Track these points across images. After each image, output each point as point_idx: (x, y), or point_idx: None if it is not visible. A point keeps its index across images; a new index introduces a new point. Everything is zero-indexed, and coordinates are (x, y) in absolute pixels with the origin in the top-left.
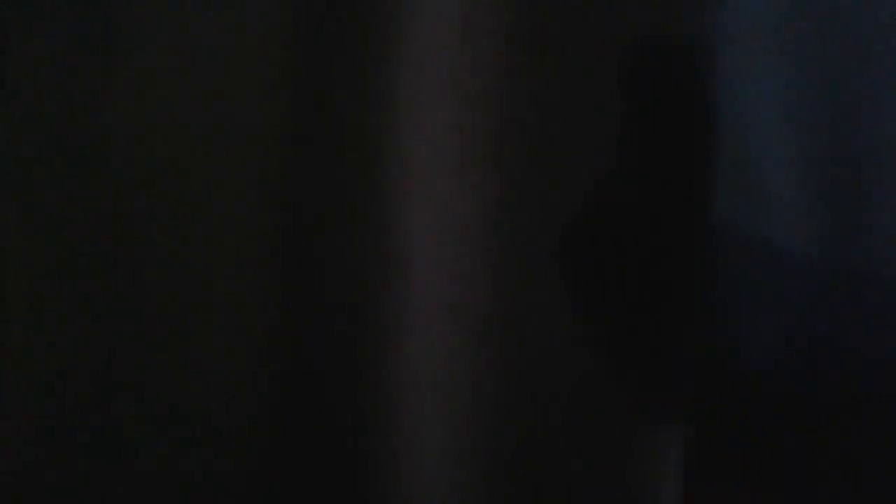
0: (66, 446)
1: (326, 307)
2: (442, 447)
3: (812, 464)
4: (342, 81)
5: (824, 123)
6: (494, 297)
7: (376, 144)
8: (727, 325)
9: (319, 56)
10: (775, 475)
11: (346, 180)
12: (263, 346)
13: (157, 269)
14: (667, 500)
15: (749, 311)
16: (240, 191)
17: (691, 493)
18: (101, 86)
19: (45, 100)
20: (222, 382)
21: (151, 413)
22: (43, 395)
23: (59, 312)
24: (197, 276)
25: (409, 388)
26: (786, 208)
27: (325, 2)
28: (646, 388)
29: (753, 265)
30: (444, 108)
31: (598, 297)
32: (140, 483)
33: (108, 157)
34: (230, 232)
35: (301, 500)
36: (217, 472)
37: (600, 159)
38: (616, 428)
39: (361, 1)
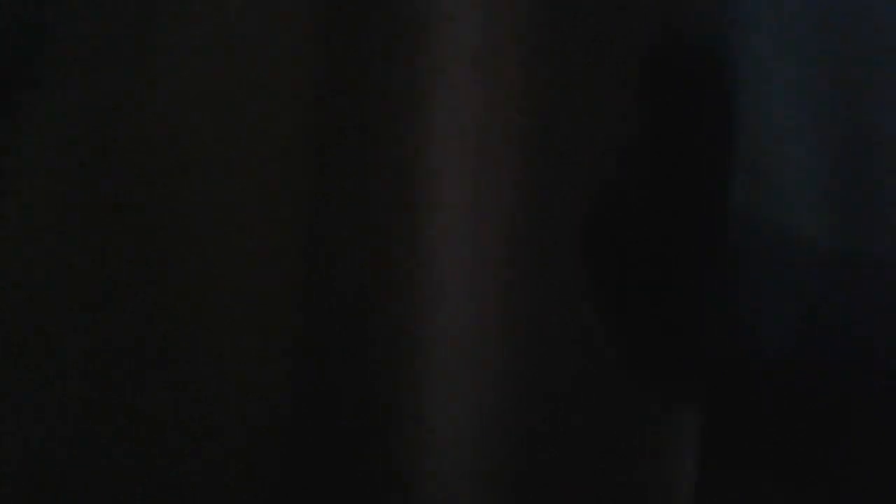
0: (75, 445)
1: (348, 305)
2: (463, 440)
3: (826, 452)
4: (366, 84)
5: (839, 115)
6: (517, 290)
7: (400, 144)
8: (743, 312)
9: (345, 59)
10: (790, 463)
11: (370, 180)
12: (286, 343)
13: (180, 267)
14: (681, 491)
15: (764, 299)
16: (266, 190)
17: (706, 482)
18: (132, 87)
19: (77, 103)
20: (244, 381)
21: (167, 412)
22: (53, 392)
23: (79, 310)
24: (222, 272)
25: (430, 382)
26: (801, 198)
27: (353, 7)
28: (663, 376)
29: (769, 253)
30: (468, 109)
31: (617, 285)
32: (153, 482)
33: (136, 158)
34: (257, 229)
35: (319, 498)
36: (232, 470)
37: (621, 153)
38: (633, 418)
39: (387, 6)
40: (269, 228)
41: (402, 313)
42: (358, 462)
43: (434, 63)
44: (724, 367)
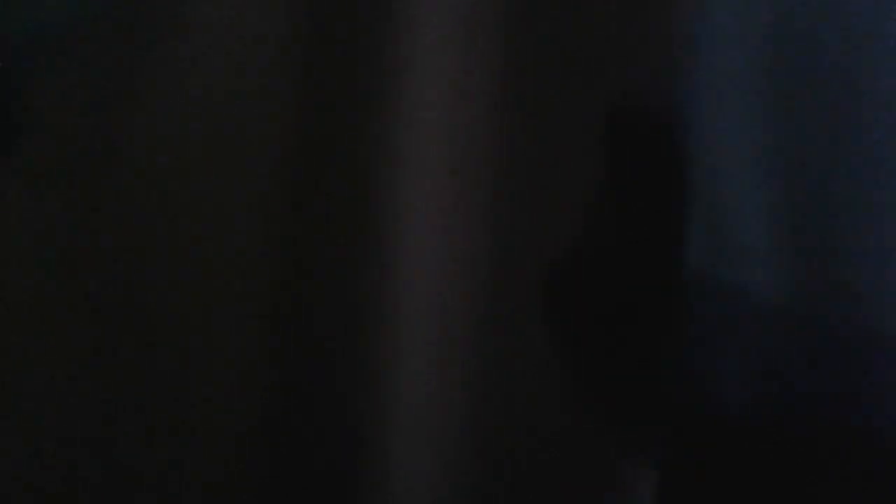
0: (68, 447)
1: (323, 308)
2: (435, 445)
3: (782, 500)
4: (344, 86)
5: (794, 175)
6: (488, 299)
7: (374, 149)
8: (699, 368)
9: (323, 60)
10: None
11: (344, 184)
12: (263, 346)
13: (162, 269)
14: None
15: (720, 356)
16: (244, 193)
17: None
18: (120, 96)
19: (70, 114)
20: (223, 384)
21: (152, 415)
22: (47, 395)
23: (66, 313)
24: (200, 276)
25: (404, 387)
26: (755, 257)
27: (331, 9)
28: (621, 430)
29: (724, 311)
30: (435, 177)
31: (577, 342)
32: (140, 484)
33: (121, 163)
34: (234, 232)
35: (297, 501)
36: (215, 472)
37: (581, 214)
38: (595, 472)
39: (364, 8)
40: (245, 228)
41: (374, 313)
42: (331, 464)
43: (399, 122)
44: (682, 422)
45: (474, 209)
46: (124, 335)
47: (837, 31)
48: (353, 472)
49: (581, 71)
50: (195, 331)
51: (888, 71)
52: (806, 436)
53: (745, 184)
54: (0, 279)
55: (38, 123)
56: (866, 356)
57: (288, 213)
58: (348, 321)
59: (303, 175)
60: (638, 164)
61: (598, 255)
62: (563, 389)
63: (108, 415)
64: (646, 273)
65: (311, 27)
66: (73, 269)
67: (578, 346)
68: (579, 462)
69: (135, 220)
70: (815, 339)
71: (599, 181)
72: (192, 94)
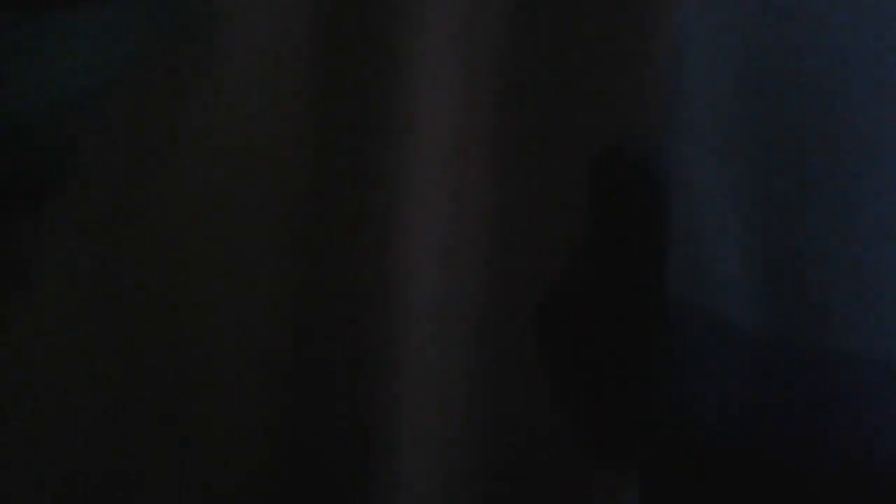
0: (73, 447)
1: (329, 306)
2: (438, 441)
3: None
4: (351, 92)
5: (770, 211)
6: (490, 296)
7: (380, 152)
8: (680, 397)
9: (332, 66)
10: None
11: (352, 186)
12: (271, 345)
13: (176, 270)
14: None
15: (700, 385)
16: (259, 199)
17: None
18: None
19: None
20: (234, 384)
21: (161, 413)
22: (52, 394)
23: (77, 315)
24: (220, 275)
25: (407, 383)
26: (734, 289)
27: (340, 14)
28: (605, 454)
29: (704, 342)
30: (437, 221)
31: (564, 372)
32: (144, 482)
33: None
34: (247, 241)
35: (303, 499)
36: (223, 470)
37: (569, 251)
38: (579, 494)
39: (371, 16)
40: (256, 231)
41: (378, 310)
42: (335, 462)
43: (403, 124)
44: (663, 449)
45: (475, 213)
46: (142, 336)
47: (814, 65)
48: (357, 468)
49: (568, 123)
50: (210, 334)
51: (864, 103)
52: (783, 458)
53: (724, 214)
54: (45, 303)
55: (78, 171)
56: (842, 380)
57: (299, 219)
58: (353, 323)
59: (311, 183)
60: (621, 196)
61: (583, 282)
62: (552, 405)
63: (124, 414)
64: (631, 307)
65: (320, 34)
66: (87, 268)
67: (565, 369)
68: (573, 460)
69: (169, 227)
70: (791, 363)
71: (586, 210)
72: (222, 99)
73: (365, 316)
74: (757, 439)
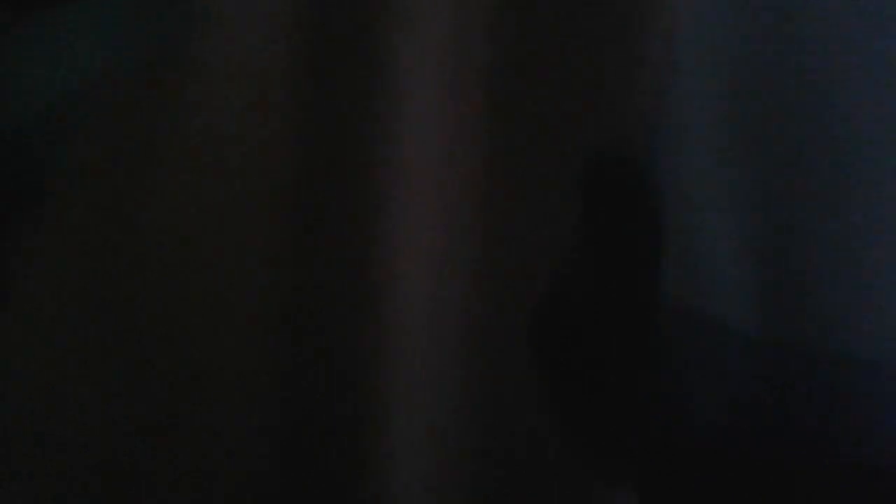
0: (68, 447)
1: (318, 310)
2: (428, 445)
3: None
4: (339, 92)
5: (766, 211)
6: (482, 300)
7: (369, 149)
8: (675, 397)
9: (321, 62)
10: None
11: (339, 185)
12: (259, 348)
13: (162, 271)
14: None
15: (695, 385)
16: (246, 198)
17: None
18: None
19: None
20: (223, 382)
21: (153, 414)
22: (45, 396)
23: (66, 314)
24: (205, 277)
25: (398, 387)
26: (729, 290)
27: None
28: (600, 456)
29: (698, 342)
30: (426, 227)
31: (558, 372)
32: (139, 482)
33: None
34: (238, 241)
35: (294, 500)
36: (216, 472)
37: (564, 252)
38: (573, 496)
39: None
40: (246, 230)
41: (369, 311)
42: (328, 464)
43: (392, 124)
44: (660, 452)
45: (464, 220)
46: (138, 342)
47: (812, 63)
48: (350, 471)
49: (564, 95)
50: (200, 335)
51: (863, 101)
52: (782, 458)
53: (718, 216)
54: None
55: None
56: (841, 381)
57: (286, 220)
58: (344, 328)
59: (299, 185)
60: (615, 197)
61: (578, 284)
62: (546, 409)
63: (114, 416)
64: (622, 302)
65: (306, 35)
66: (88, 267)
67: (560, 373)
68: (569, 465)
69: (150, 234)
70: (788, 365)
71: (579, 212)
72: (201, 103)
73: (354, 320)
74: (755, 440)
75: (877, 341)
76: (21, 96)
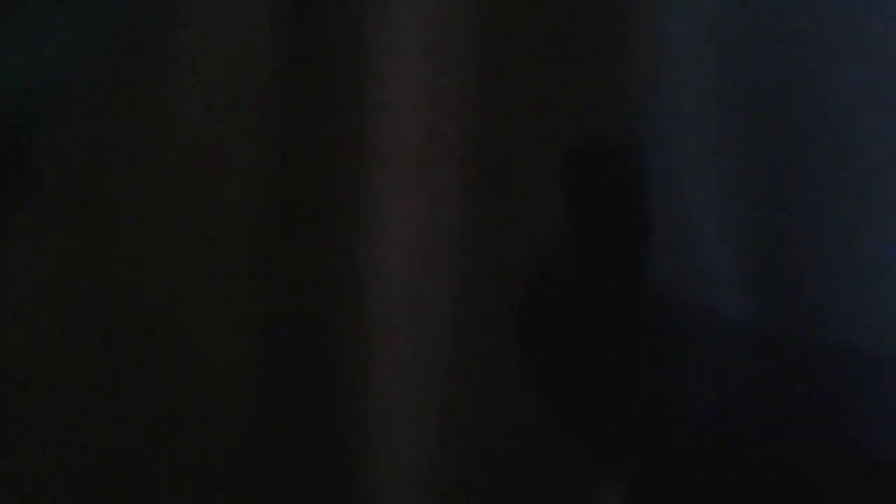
0: (64, 447)
1: (303, 307)
2: (416, 442)
3: None
4: (320, 88)
5: (758, 200)
6: (467, 294)
7: (351, 149)
8: (665, 388)
9: (307, 60)
10: None
11: (328, 184)
12: (244, 346)
13: (160, 277)
14: None
15: (685, 375)
16: (230, 201)
17: None
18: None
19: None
20: (211, 383)
21: (145, 414)
22: (41, 395)
23: (61, 315)
24: (194, 275)
25: (382, 383)
26: (719, 279)
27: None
28: (590, 447)
29: (688, 332)
30: (411, 210)
31: (547, 363)
32: (133, 481)
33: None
34: (223, 242)
35: (281, 498)
36: (207, 470)
37: (551, 240)
38: (564, 487)
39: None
40: (232, 227)
41: (352, 311)
42: (314, 462)
43: (375, 124)
44: (653, 446)
45: (452, 215)
46: (123, 340)
47: (801, 51)
48: (336, 469)
49: (552, 86)
50: (191, 336)
51: (853, 93)
52: (778, 452)
53: (710, 205)
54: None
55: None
56: (839, 374)
57: (268, 217)
58: (333, 326)
59: (289, 186)
60: (604, 186)
61: (567, 273)
62: (535, 400)
63: (109, 417)
64: (612, 292)
65: (296, 40)
66: (79, 286)
67: (548, 363)
68: (553, 461)
69: (137, 229)
70: (785, 358)
71: (568, 201)
72: (184, 97)
73: (339, 316)
74: (750, 434)
75: (876, 334)
76: (3, 78)
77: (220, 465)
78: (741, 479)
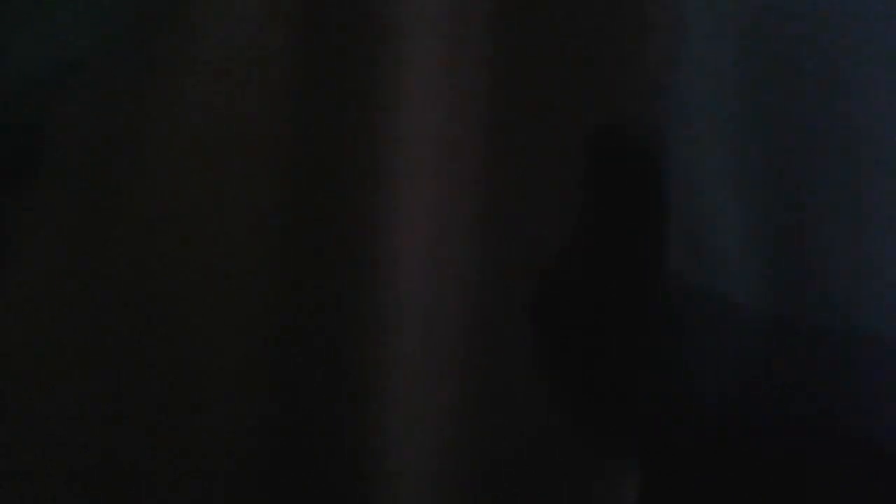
0: (64, 446)
1: (315, 305)
2: (426, 442)
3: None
4: (339, 86)
5: (774, 187)
6: (477, 301)
7: (365, 146)
8: (680, 375)
9: (316, 58)
10: None
11: (338, 181)
12: (258, 345)
13: (166, 276)
14: None
15: (701, 363)
16: (242, 200)
17: None
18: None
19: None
20: (219, 380)
21: (149, 411)
22: (41, 395)
23: (63, 313)
24: (199, 273)
25: (393, 383)
26: (735, 267)
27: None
28: (604, 434)
29: (704, 319)
30: (425, 200)
31: (562, 349)
32: (134, 481)
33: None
34: (233, 242)
35: (289, 499)
36: (213, 474)
37: (567, 229)
38: (577, 473)
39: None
40: (243, 227)
41: (365, 310)
42: (323, 462)
43: (391, 123)
44: (663, 424)
45: (464, 212)
46: (125, 340)
47: (814, 44)
48: (348, 468)
49: (567, 77)
50: (196, 336)
51: (864, 83)
52: (787, 436)
53: (724, 194)
54: (17, 294)
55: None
56: (847, 358)
57: (281, 214)
58: (342, 326)
59: (298, 183)
60: (620, 174)
61: (582, 261)
62: (549, 391)
63: (111, 416)
64: (627, 280)
65: (306, 33)
66: (85, 282)
67: (563, 349)
68: (565, 460)
69: (142, 227)
70: (795, 342)
71: (584, 189)
72: (193, 98)
73: (349, 316)
74: (760, 418)
75: (882, 318)
76: (7, 72)
77: (222, 466)
78: (757, 465)
